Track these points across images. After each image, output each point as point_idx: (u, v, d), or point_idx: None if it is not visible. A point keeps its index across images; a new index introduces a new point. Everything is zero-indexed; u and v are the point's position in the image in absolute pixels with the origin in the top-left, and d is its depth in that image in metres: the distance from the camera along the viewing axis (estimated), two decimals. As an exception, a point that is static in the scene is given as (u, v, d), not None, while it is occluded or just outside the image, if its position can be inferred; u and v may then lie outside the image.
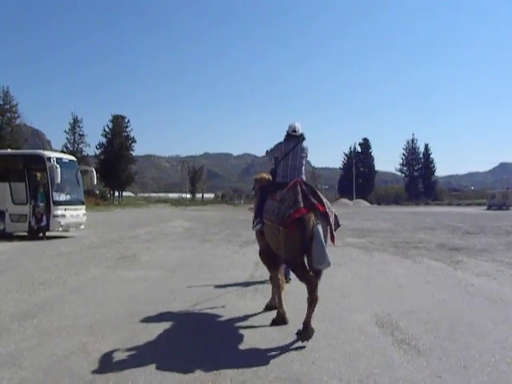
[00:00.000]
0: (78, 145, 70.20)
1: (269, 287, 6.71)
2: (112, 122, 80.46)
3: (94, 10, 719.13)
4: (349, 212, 46.60)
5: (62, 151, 69.89)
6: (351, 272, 9.66)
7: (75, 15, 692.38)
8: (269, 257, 5.81)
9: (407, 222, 29.27)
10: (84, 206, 18.43)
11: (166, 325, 5.66)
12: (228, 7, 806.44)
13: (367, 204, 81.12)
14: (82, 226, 18.30)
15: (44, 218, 16.35)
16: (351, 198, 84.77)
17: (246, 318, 5.99)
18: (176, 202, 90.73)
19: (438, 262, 11.36)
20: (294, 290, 6.83)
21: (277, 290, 5.86)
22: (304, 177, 5.68)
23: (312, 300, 4.96)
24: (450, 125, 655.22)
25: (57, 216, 16.50)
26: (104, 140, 79.46)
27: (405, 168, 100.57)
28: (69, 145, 69.91)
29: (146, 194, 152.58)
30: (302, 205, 4.93)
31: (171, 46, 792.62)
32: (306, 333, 4.87)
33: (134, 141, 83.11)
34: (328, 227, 5.17)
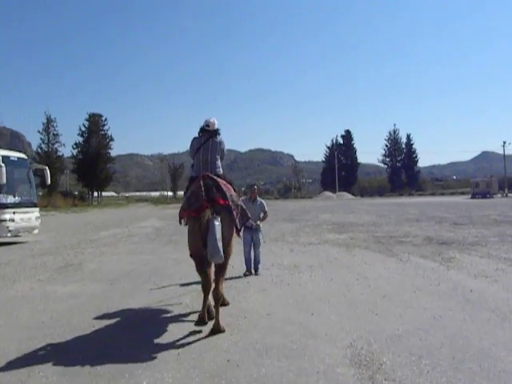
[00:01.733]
0: (53, 145, 67.80)
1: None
2: (88, 120, 78.02)
3: (75, 10, 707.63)
4: (331, 205, 45.31)
5: (37, 152, 67.69)
6: (326, 277, 8.14)
7: (55, 15, 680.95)
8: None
9: (391, 213, 27.94)
10: (37, 209, 16.63)
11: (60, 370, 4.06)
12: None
13: (350, 196, 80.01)
14: (36, 231, 16.53)
15: (-11, 223, 14.60)
16: (334, 191, 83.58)
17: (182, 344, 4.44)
18: (157, 201, 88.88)
19: (427, 259, 9.93)
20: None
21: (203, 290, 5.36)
22: (219, 170, 5.71)
23: (214, 296, 5.07)
24: (431, 114, 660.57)
25: (4, 220, 14.75)
26: (80, 139, 77.08)
27: (387, 159, 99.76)
28: (43, 145, 67.41)
29: (128, 194, 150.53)
30: (204, 198, 5.07)
31: (153, 44, 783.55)
32: (215, 329, 5.01)
33: (111, 139, 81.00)
34: (232, 221, 5.25)
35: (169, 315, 5.95)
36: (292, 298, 6.57)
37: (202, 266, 5.19)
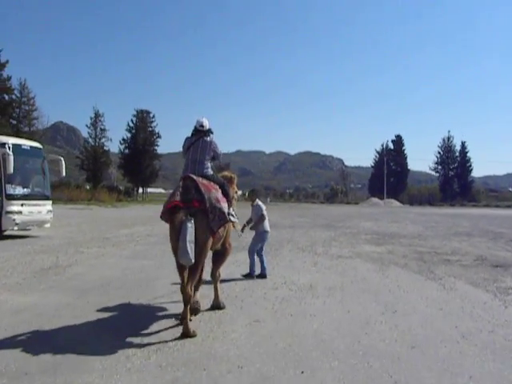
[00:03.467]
0: (100, 139, 68.27)
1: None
2: (136, 116, 78.49)
3: (124, 11, 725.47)
4: (377, 212, 42.75)
5: (84, 146, 68.51)
6: (343, 308, 6.33)
7: (104, 15, 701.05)
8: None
9: (439, 225, 25.39)
10: (49, 202, 15.56)
11: None
12: (252, 4, 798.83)
13: (398, 204, 76.48)
14: (47, 225, 15.48)
15: (-6, 215, 13.63)
16: (382, 198, 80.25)
17: None
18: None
19: (478, 288, 7.91)
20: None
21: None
22: (207, 170, 5.71)
23: (183, 297, 5.03)
24: (488, 122, 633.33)
25: (10, 212, 13.72)
26: (128, 135, 77.63)
27: (439, 167, 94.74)
28: (90, 139, 68.05)
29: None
30: (176, 199, 5.11)
31: (203, 43, 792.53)
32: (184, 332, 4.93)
33: (158, 136, 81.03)
34: (207, 224, 5.15)
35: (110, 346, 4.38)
36: (285, 340, 4.84)
37: (180, 266, 5.10)
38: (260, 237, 9.11)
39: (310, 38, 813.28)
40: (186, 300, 4.99)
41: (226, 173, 6.64)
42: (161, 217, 5.45)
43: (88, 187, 68.83)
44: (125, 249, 12.56)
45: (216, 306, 6.13)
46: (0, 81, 46.87)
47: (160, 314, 5.94)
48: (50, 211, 15.40)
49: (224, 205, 5.46)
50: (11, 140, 14.47)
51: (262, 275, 8.68)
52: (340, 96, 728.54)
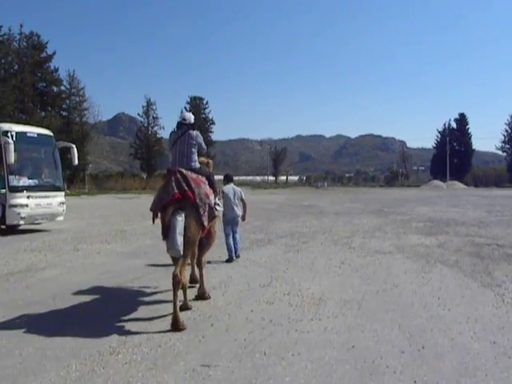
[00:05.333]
0: (152, 128, 68.17)
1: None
2: (189, 103, 78.16)
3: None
4: (437, 195, 39.33)
5: (136, 135, 68.74)
6: (347, 341, 4.39)
7: (156, 6, 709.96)
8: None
9: (505, 209, 22.23)
10: (61, 193, 14.35)
11: None
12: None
13: (462, 186, 70.96)
14: (60, 218, 14.30)
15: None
16: (445, 180, 75.07)
17: None
18: (256, 185, 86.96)
19: (557, 302, 5.68)
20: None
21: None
22: (195, 163, 5.73)
23: (172, 279, 5.00)
24: None
25: (14, 206, 12.63)
26: (182, 123, 77.39)
27: (507, 146, 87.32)
28: (143, 128, 68.11)
29: (236, 178, 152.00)
30: (176, 191, 5.10)
31: (258, 30, 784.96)
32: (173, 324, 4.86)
33: (212, 123, 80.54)
34: (198, 218, 5.21)
35: None
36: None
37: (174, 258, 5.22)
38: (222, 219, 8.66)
39: (378, 22, 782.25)
40: (175, 284, 4.99)
41: (202, 158, 6.48)
42: (151, 209, 5.36)
43: (144, 176, 69.21)
44: (130, 244, 11.15)
45: (201, 294, 6.00)
46: (47, 72, 47.17)
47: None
48: (63, 203, 14.20)
49: (211, 197, 5.55)
50: (15, 127, 13.33)
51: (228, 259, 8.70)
52: (401, 79, 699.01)
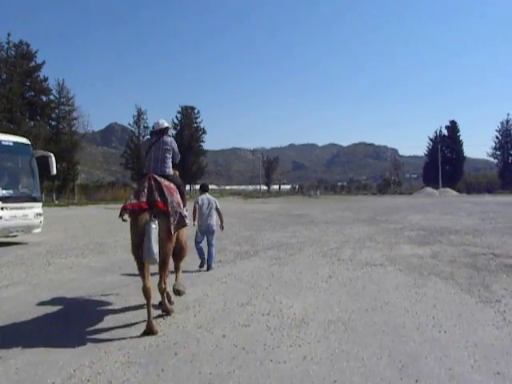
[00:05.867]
0: (143, 137, 67.51)
1: None
2: (181, 113, 77.75)
3: (171, 7, 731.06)
4: (430, 203, 38.86)
5: (127, 145, 68.03)
6: (326, 375, 3.81)
7: (148, 12, 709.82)
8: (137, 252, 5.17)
9: (499, 216, 21.72)
10: (38, 204, 13.66)
11: None
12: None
13: (455, 193, 70.55)
14: (37, 230, 13.61)
15: (-30, 220, 11.93)
16: (437, 187, 74.72)
17: None
18: (248, 195, 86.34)
19: None
20: None
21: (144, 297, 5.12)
22: (168, 170, 5.78)
23: (159, 289, 5.32)
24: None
25: (-13, 218, 11.97)
26: (173, 132, 76.95)
27: (498, 152, 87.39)
28: (134, 138, 67.47)
29: (229, 187, 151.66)
30: (143, 200, 5.10)
31: (250, 38, 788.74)
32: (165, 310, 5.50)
33: (204, 132, 80.00)
34: (168, 226, 5.18)
35: None
36: None
37: (140, 266, 5.17)
38: None
39: (370, 30, 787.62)
40: (162, 292, 5.35)
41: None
42: (120, 214, 5.31)
43: (135, 186, 68.44)
44: (108, 257, 10.51)
45: (176, 290, 5.90)
46: (36, 82, 46.52)
47: None
48: (40, 214, 13.53)
49: (181, 207, 5.51)
50: (-12, 136, 12.73)
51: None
52: (393, 86, 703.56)
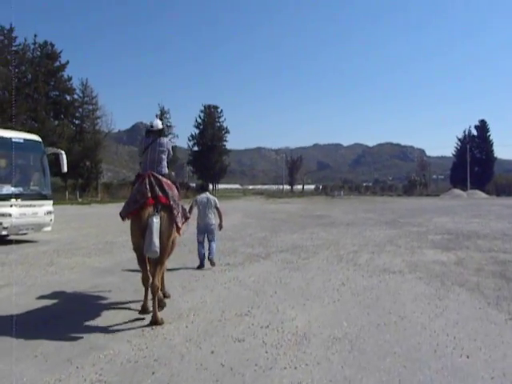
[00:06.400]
0: (166, 136, 67.62)
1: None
2: (203, 112, 77.71)
3: (194, 8, 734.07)
4: (457, 205, 37.55)
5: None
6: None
7: (171, 15, 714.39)
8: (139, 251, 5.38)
9: (532, 220, 20.66)
10: (49, 202, 13.35)
11: None
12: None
13: (484, 195, 68.34)
14: (48, 228, 13.31)
15: (-22, 218, 11.69)
16: (465, 189, 72.62)
17: None
18: (271, 194, 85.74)
19: None
20: None
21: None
22: (164, 169, 5.88)
23: (151, 289, 5.29)
24: None
25: (-6, 215, 11.72)
26: (196, 131, 77.02)
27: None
28: (157, 136, 67.67)
29: (252, 186, 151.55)
30: (149, 195, 5.26)
31: (274, 38, 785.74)
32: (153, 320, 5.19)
33: (227, 131, 79.75)
34: (172, 219, 5.37)
35: None
36: None
37: (141, 259, 5.41)
38: None
39: (393, 34, 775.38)
40: (154, 291, 5.25)
41: None
42: (125, 217, 5.54)
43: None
44: (113, 257, 10.16)
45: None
46: (60, 81, 46.95)
47: None
48: (50, 212, 13.22)
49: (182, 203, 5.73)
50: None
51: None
52: (420, 86, 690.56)
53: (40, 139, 13.73)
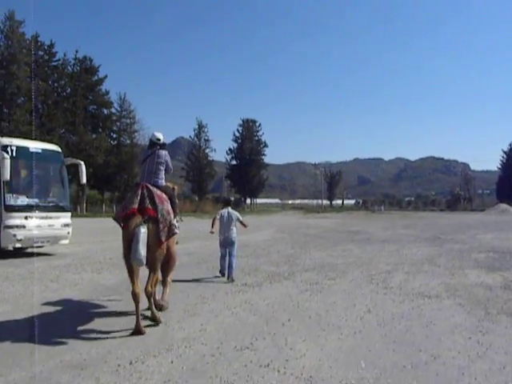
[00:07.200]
0: (204, 150, 67.73)
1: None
2: (242, 126, 77.59)
3: (234, 22, 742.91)
4: (504, 221, 35.44)
5: (188, 157, 68.36)
6: None
7: (212, 26, 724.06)
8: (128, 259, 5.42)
9: None
10: (67, 214, 12.92)
11: None
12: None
13: (533, 211, 65.03)
14: (65, 241, 12.84)
15: (-7, 229, 11.35)
16: (512, 204, 69.05)
17: None
18: (309, 209, 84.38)
19: None
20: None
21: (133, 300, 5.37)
22: (161, 181, 6.09)
23: (145, 293, 5.40)
24: None
25: (10, 227, 11.34)
26: (234, 145, 76.91)
27: None
28: (194, 151, 67.83)
29: (291, 201, 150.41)
30: (135, 206, 5.41)
31: (322, 49, 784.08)
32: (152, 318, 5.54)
33: (265, 145, 79.16)
34: (157, 232, 5.42)
35: None
36: None
37: (130, 269, 5.42)
38: None
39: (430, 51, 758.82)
40: (148, 296, 5.45)
41: (169, 183, 6.52)
42: (114, 218, 5.87)
43: (196, 198, 68.55)
44: (123, 274, 9.41)
45: (159, 304, 6.00)
46: (98, 95, 47.74)
47: None
48: (67, 225, 12.77)
49: (172, 216, 5.72)
50: (16, 141, 12.17)
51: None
52: (462, 92, 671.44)
53: (59, 149, 13.39)
